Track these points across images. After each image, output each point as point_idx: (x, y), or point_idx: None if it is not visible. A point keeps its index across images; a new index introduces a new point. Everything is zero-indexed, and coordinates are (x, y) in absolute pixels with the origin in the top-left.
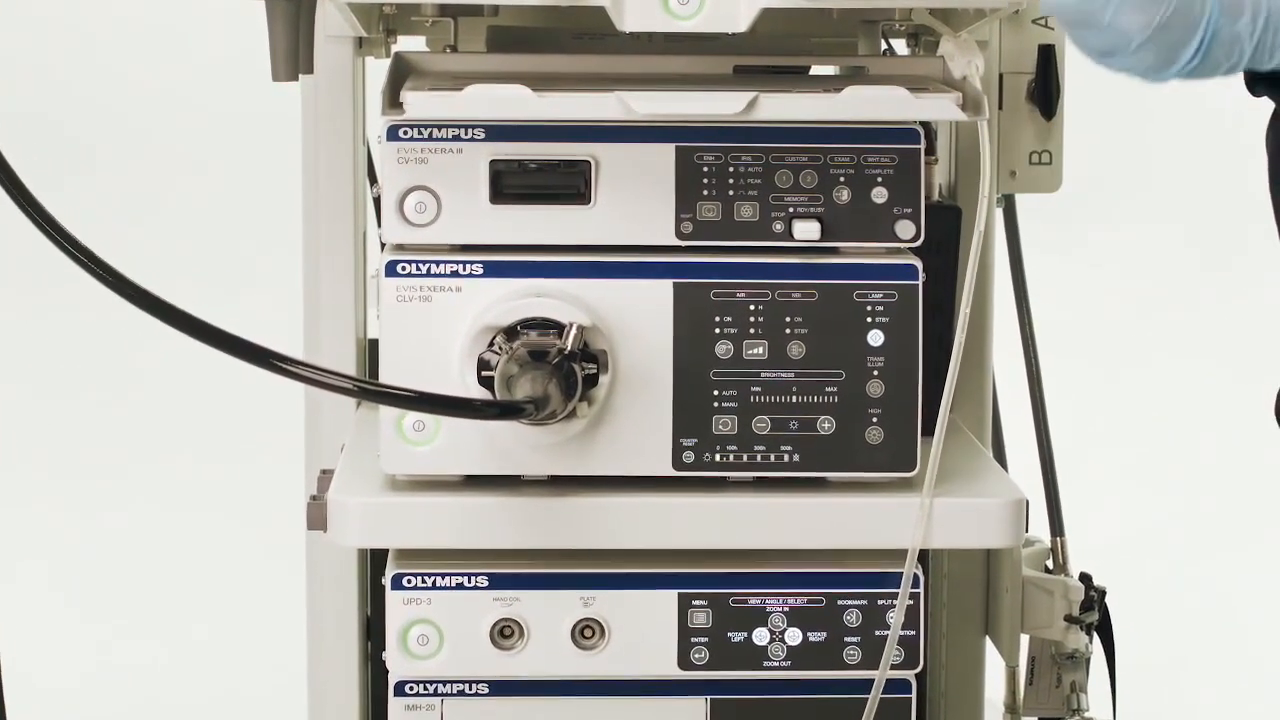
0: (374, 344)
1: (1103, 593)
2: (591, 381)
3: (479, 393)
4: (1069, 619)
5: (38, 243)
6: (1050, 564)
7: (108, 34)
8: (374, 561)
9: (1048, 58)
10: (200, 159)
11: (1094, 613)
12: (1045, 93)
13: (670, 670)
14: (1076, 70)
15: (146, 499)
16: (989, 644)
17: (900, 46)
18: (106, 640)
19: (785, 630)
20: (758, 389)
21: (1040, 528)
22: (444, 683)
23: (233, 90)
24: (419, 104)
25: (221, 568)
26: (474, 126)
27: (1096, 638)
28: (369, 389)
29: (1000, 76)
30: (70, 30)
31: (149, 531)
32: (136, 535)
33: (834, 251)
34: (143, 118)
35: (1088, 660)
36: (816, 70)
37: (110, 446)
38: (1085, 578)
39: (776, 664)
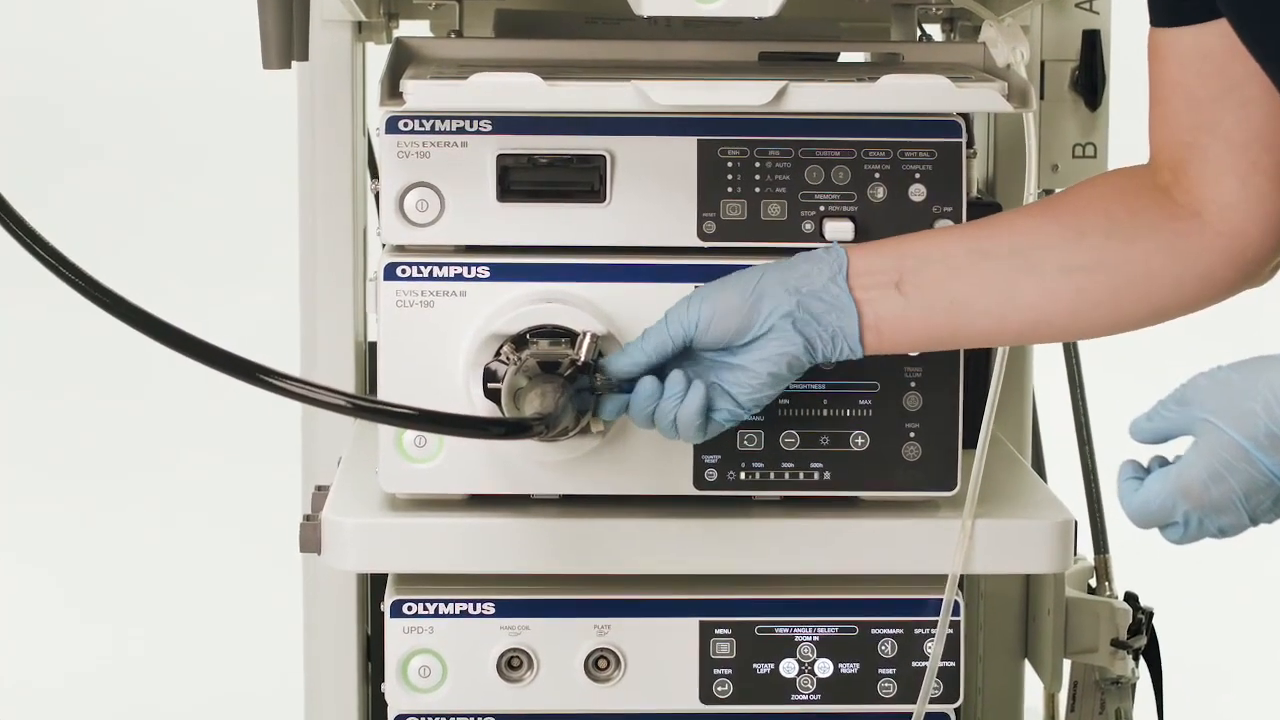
0: (375, 346)
1: (1150, 614)
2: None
3: (484, 406)
4: (1116, 644)
5: None
6: (1093, 582)
7: (88, 19)
8: (375, 580)
9: (1093, 44)
10: (194, 151)
11: (1142, 637)
12: (1090, 81)
13: (691, 704)
14: (1123, 57)
15: (145, 500)
16: (1028, 668)
17: (935, 32)
18: (105, 643)
19: (815, 661)
20: (786, 402)
21: (1083, 544)
22: (447, 717)
23: (226, 78)
24: (420, 93)
25: (223, 572)
26: (480, 118)
27: (1143, 662)
28: (364, 406)
29: (1042, 64)
30: (53, 19)
31: (148, 532)
32: (135, 536)
33: None
34: (132, 107)
35: (1133, 686)
36: (846, 57)
37: (108, 448)
38: (1132, 598)
39: (805, 697)
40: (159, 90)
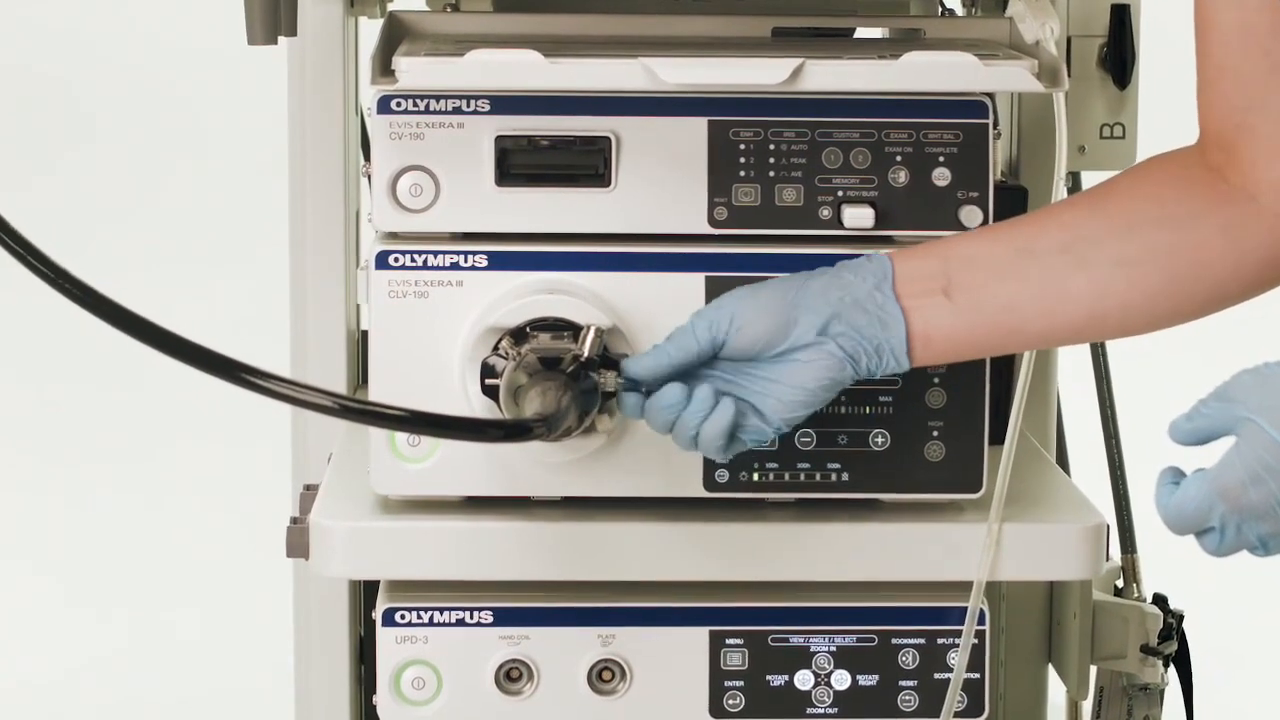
0: (367, 336)
1: (1180, 618)
2: (612, 391)
3: (482, 404)
4: (1146, 650)
5: None
6: (1120, 583)
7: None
8: (367, 584)
9: (1122, 20)
10: (180, 131)
11: (1172, 642)
12: (1119, 59)
13: (701, 718)
14: (1153, 34)
15: (133, 494)
16: (1052, 673)
17: (957, 7)
18: (92, 645)
19: (832, 673)
20: None
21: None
22: None
23: (212, 56)
24: (414, 71)
25: (213, 571)
26: (477, 97)
27: (1172, 667)
28: (353, 408)
29: (1069, 40)
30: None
31: (135, 527)
32: (122, 531)
33: (889, 241)
34: (115, 85)
35: (1162, 692)
36: (863, 33)
37: (95, 440)
38: (1161, 601)
39: (822, 711)
40: (142, 68)
